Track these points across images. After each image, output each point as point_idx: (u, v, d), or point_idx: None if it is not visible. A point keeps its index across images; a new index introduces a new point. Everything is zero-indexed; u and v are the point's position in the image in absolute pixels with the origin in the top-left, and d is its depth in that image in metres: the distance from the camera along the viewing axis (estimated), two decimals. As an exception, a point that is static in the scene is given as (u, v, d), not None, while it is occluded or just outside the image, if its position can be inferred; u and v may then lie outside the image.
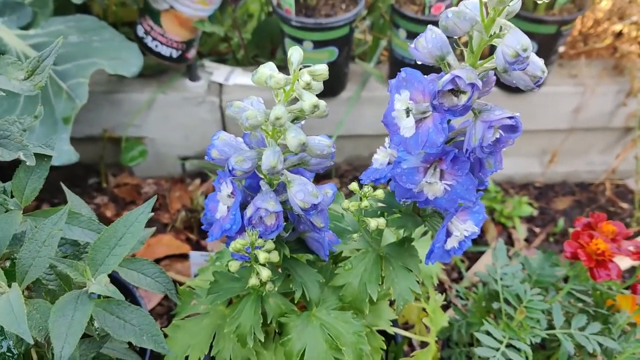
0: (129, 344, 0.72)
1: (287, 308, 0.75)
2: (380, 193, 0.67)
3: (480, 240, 1.46)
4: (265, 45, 1.55)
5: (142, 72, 1.31)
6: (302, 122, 0.62)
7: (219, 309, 0.80)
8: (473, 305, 1.03)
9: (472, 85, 0.53)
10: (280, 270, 0.75)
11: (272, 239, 0.64)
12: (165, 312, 1.28)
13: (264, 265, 0.64)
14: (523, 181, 1.63)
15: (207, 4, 1.31)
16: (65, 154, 1.23)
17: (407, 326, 1.09)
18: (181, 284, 1.27)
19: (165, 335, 0.79)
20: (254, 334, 0.71)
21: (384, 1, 1.36)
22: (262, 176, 0.65)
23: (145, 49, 1.36)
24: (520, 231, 1.48)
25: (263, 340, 0.72)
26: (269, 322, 0.74)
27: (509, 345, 0.87)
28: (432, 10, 1.29)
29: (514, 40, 0.51)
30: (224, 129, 1.48)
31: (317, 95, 0.57)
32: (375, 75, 1.46)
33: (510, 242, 1.48)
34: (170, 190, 1.53)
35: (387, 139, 0.71)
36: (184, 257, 1.36)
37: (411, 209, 0.74)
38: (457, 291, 1.12)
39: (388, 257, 0.75)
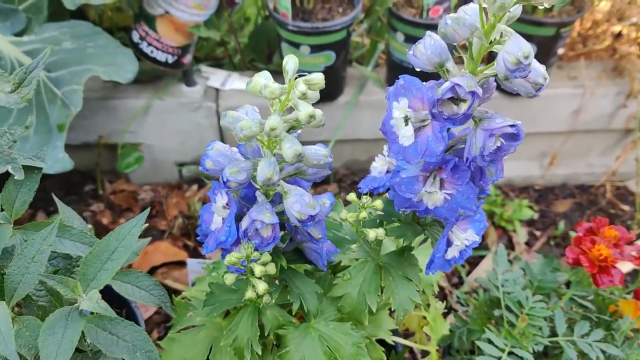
0: None
1: (285, 320, 0.74)
2: (378, 204, 0.65)
3: (480, 244, 1.44)
4: (262, 50, 1.54)
5: (138, 78, 1.30)
6: (299, 131, 0.60)
7: (216, 320, 0.78)
8: (474, 311, 1.02)
9: (473, 93, 0.52)
10: (277, 281, 0.73)
11: (268, 251, 0.63)
12: (162, 321, 1.26)
13: (260, 278, 0.63)
14: (523, 184, 1.62)
15: (202, 8, 1.30)
16: (59, 161, 1.21)
17: (407, 333, 1.07)
18: (179, 292, 1.25)
19: (160, 347, 0.77)
20: (251, 346, 0.70)
21: (382, 4, 1.35)
22: (258, 186, 0.63)
23: (140, 55, 1.35)
24: (520, 235, 1.47)
25: (260, 353, 0.70)
26: (266, 334, 0.73)
27: (510, 353, 0.86)
28: (430, 13, 1.28)
29: (515, 47, 0.49)
30: (221, 134, 1.47)
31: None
32: (373, 79, 1.45)
33: (510, 245, 1.46)
34: (167, 196, 1.52)
35: (385, 146, 0.69)
36: (182, 264, 1.35)
37: (411, 218, 0.72)
38: (457, 297, 1.11)
39: (388, 267, 0.73)
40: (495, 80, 0.57)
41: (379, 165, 0.70)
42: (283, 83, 0.55)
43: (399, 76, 0.57)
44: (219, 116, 1.44)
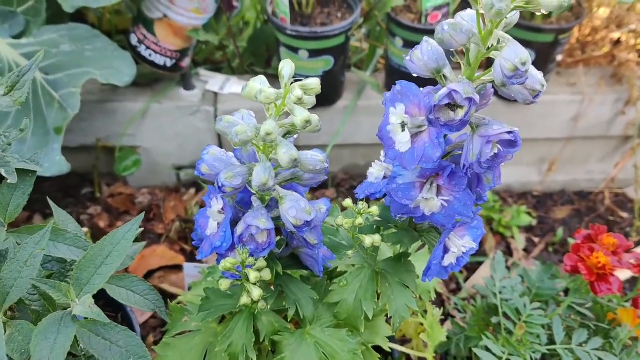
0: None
1: (281, 326, 0.73)
2: (375, 210, 0.65)
3: (478, 250, 1.43)
4: (261, 54, 1.53)
5: (136, 81, 1.29)
6: (295, 136, 0.60)
7: (211, 326, 0.78)
8: (471, 318, 1.01)
9: (470, 99, 0.52)
10: (273, 287, 0.73)
11: (264, 257, 0.62)
12: (159, 325, 1.25)
13: (255, 284, 0.62)
14: (521, 190, 1.61)
15: (201, 12, 1.30)
16: (56, 164, 1.21)
17: (404, 340, 1.07)
18: (175, 296, 1.25)
19: (155, 352, 0.77)
20: (247, 352, 0.69)
21: (381, 10, 1.35)
22: (253, 191, 0.63)
23: (139, 58, 1.35)
24: (519, 241, 1.47)
25: (256, 359, 0.70)
26: (261, 340, 0.72)
27: (508, 361, 0.85)
28: (428, 18, 1.28)
29: (512, 54, 0.49)
30: (219, 138, 1.47)
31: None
32: (371, 84, 1.45)
33: (508, 252, 1.46)
34: (165, 200, 1.51)
35: (382, 152, 0.69)
36: (179, 268, 1.34)
37: (407, 224, 0.72)
38: (455, 304, 1.10)
39: (384, 273, 0.73)
40: (493, 87, 0.57)
41: (376, 171, 0.70)
42: (280, 88, 0.55)
43: (396, 82, 0.57)
44: (217, 120, 1.44)
